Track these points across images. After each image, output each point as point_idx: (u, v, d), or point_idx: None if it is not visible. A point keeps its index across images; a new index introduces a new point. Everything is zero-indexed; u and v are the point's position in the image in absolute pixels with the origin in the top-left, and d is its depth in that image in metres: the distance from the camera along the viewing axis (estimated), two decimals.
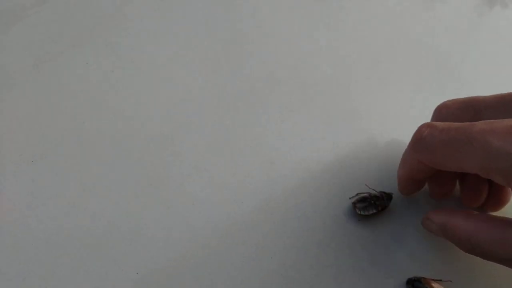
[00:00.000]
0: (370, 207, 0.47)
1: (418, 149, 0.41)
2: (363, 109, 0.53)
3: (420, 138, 0.40)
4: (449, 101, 0.44)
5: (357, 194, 0.48)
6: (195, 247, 0.46)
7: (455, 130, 0.36)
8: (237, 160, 0.50)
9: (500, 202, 0.46)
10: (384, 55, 0.59)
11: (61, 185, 0.48)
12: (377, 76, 0.56)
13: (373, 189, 0.48)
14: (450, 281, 0.46)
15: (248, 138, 0.51)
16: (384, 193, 0.48)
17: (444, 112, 0.44)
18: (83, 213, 0.46)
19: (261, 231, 0.46)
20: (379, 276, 0.45)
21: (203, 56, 0.56)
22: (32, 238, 0.45)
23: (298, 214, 0.47)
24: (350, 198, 0.48)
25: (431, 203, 0.48)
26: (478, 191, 0.45)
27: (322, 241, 0.46)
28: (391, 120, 0.53)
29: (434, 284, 0.45)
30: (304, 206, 0.48)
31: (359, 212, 0.47)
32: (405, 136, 0.51)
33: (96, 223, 0.46)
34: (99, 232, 0.46)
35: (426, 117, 0.50)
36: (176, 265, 0.45)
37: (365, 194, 0.48)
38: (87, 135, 0.51)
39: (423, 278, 0.45)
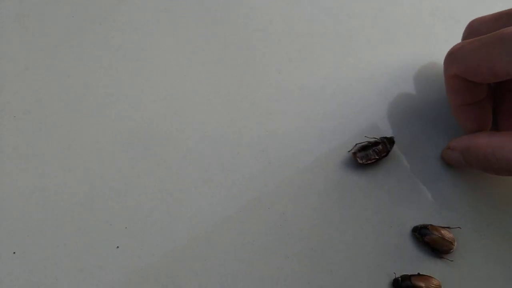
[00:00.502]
0: (371, 154, 0.44)
1: (451, 61, 0.40)
2: (364, 59, 0.50)
3: (452, 51, 0.40)
4: (480, 17, 0.42)
5: (355, 145, 0.45)
6: (188, 200, 0.43)
7: (486, 37, 0.36)
8: (234, 112, 0.47)
9: None
10: (387, 3, 0.56)
11: (45, 141, 0.45)
12: (379, 25, 0.53)
13: (374, 137, 0.45)
14: (459, 227, 0.43)
15: (245, 89, 0.48)
16: (385, 138, 0.45)
17: (476, 24, 0.42)
18: (69, 169, 0.44)
19: (259, 182, 0.44)
20: (383, 225, 0.43)
21: (199, 7, 0.53)
22: (16, 194, 0.43)
23: (297, 165, 0.45)
24: (349, 152, 0.45)
25: (438, 146, 0.46)
26: None
27: (322, 191, 0.44)
28: (392, 69, 0.50)
29: (442, 231, 0.42)
30: (303, 156, 0.45)
31: (360, 161, 0.44)
32: (409, 84, 0.49)
33: (82, 179, 0.44)
34: (85, 188, 0.44)
35: (431, 65, 0.47)
36: (166, 218, 0.43)
37: (365, 143, 0.45)
38: (72, 90, 0.48)
39: (430, 225, 0.43)
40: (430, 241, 0.42)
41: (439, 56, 0.46)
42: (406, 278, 0.41)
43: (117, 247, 0.42)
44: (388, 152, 0.44)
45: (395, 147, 0.45)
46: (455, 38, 0.44)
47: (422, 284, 0.41)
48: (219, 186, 0.44)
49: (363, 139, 0.45)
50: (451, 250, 0.42)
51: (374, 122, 0.47)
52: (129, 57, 0.49)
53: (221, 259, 0.42)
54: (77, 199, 0.43)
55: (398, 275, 0.41)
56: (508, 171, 0.37)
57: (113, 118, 0.46)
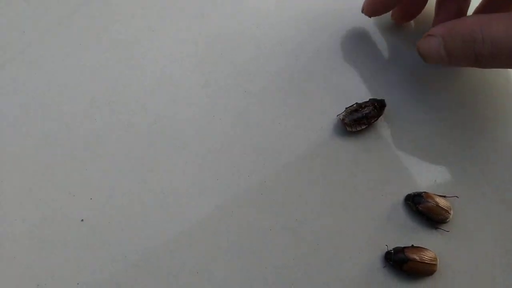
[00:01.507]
0: (361, 120, 0.40)
1: None
2: (350, 15, 0.46)
3: None
4: None
5: (345, 109, 0.41)
6: (160, 169, 0.39)
7: None
8: (208, 72, 0.43)
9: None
10: None
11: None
12: None
13: (364, 102, 0.41)
14: (457, 196, 0.40)
15: (221, 46, 0.43)
16: (375, 100, 0.41)
17: None
18: (27, 134, 0.40)
19: (237, 149, 0.40)
20: (374, 194, 0.39)
21: None
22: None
23: (279, 129, 0.41)
24: (337, 116, 0.41)
25: (432, 109, 0.42)
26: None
27: (306, 158, 0.40)
28: (381, 28, 0.46)
29: (437, 199, 0.39)
30: (286, 119, 0.41)
31: (349, 129, 0.40)
32: (400, 44, 0.45)
33: (43, 145, 0.40)
34: (45, 156, 0.39)
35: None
36: (135, 189, 0.39)
37: (354, 106, 0.41)
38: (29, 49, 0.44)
39: (425, 192, 0.39)
40: (424, 210, 0.38)
41: None
42: (399, 250, 0.38)
43: (82, 220, 0.38)
44: (378, 116, 0.41)
45: (386, 110, 0.41)
46: None
47: (416, 257, 0.37)
48: (193, 153, 0.40)
49: (351, 101, 0.41)
50: (447, 220, 0.38)
51: (362, 83, 0.43)
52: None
53: (197, 233, 0.38)
54: (35, 168, 0.39)
55: (390, 248, 0.38)
56: (490, 56, 0.33)
57: (73, 81, 0.42)
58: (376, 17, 0.44)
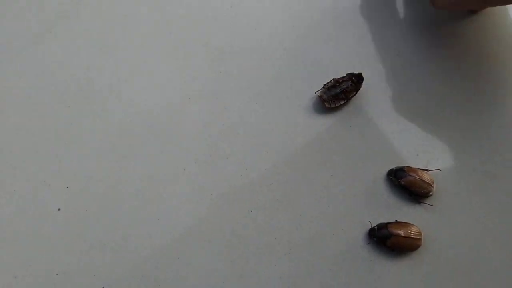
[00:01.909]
0: (339, 95, 0.40)
1: None
2: None
3: None
4: None
5: (323, 86, 0.40)
6: (135, 154, 0.39)
7: None
8: (182, 54, 0.42)
9: None
10: None
11: None
12: None
13: (341, 77, 0.40)
14: (439, 169, 0.39)
15: (194, 26, 0.43)
16: (353, 74, 0.40)
17: None
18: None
19: (214, 130, 0.39)
20: (355, 171, 0.39)
21: None
22: None
23: (256, 108, 0.40)
24: (315, 92, 0.40)
25: (412, 81, 0.41)
26: None
27: (285, 135, 0.39)
28: None
29: (420, 173, 0.38)
30: (262, 98, 0.40)
31: (328, 105, 0.39)
32: (377, 14, 0.44)
33: (17, 132, 0.39)
34: (19, 143, 0.39)
35: None
36: (112, 175, 0.38)
37: (331, 82, 0.40)
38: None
39: (407, 166, 0.38)
40: (407, 184, 0.37)
41: None
42: (382, 226, 0.37)
43: (58, 209, 0.37)
44: (357, 90, 0.40)
45: (364, 84, 0.40)
46: None
47: (401, 232, 0.37)
48: (169, 136, 0.39)
49: (329, 78, 0.41)
50: (430, 193, 0.38)
51: (340, 58, 0.42)
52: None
53: (175, 217, 0.37)
54: (7, 159, 0.38)
55: (374, 224, 0.37)
56: None
57: (45, 70, 0.41)
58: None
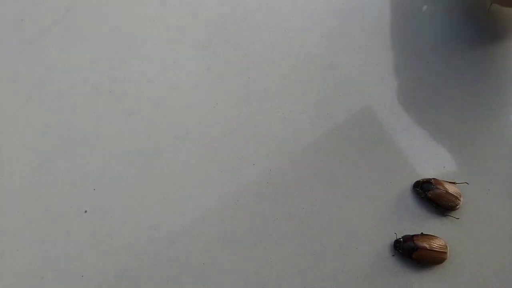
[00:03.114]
0: None
1: None
2: None
3: None
4: None
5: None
6: (162, 158, 0.39)
7: None
8: (210, 59, 0.42)
9: None
10: None
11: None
12: None
13: None
14: (467, 183, 0.38)
15: (223, 32, 0.43)
16: None
17: None
18: (27, 125, 0.40)
19: (241, 137, 0.39)
20: (381, 182, 0.38)
21: None
22: None
23: (284, 115, 0.40)
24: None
25: (437, 92, 0.40)
26: None
27: (311, 144, 0.39)
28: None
29: (447, 186, 0.38)
30: (289, 105, 0.40)
31: None
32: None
33: (43, 136, 0.39)
34: (46, 146, 0.39)
35: None
36: (138, 179, 0.38)
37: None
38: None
39: (434, 179, 0.38)
40: (433, 197, 0.37)
41: None
42: (408, 238, 0.37)
43: (85, 211, 0.38)
44: None
45: (391, 95, 0.40)
46: None
47: (426, 245, 0.36)
48: (196, 142, 0.39)
49: (357, 88, 0.40)
50: (457, 206, 0.37)
51: (368, 69, 0.41)
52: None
53: (200, 224, 0.37)
54: (36, 161, 0.39)
55: (399, 236, 0.37)
56: None
57: (72, 71, 0.41)
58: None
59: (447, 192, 0.37)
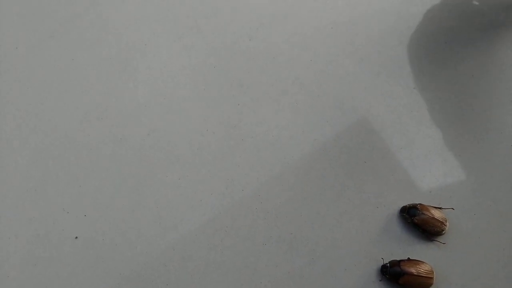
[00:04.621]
0: None
1: None
2: (342, 22, 0.46)
3: None
4: None
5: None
6: (153, 183, 0.39)
7: None
8: (201, 84, 0.43)
9: None
10: None
11: None
12: None
13: None
14: (452, 208, 0.39)
15: (214, 57, 0.43)
16: None
17: None
18: (19, 148, 0.40)
19: (231, 162, 0.40)
20: (368, 206, 0.39)
21: None
22: None
23: (272, 141, 0.41)
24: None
25: (424, 118, 0.41)
26: None
27: (300, 169, 0.40)
28: (375, 36, 0.46)
29: (433, 211, 0.38)
30: (279, 131, 0.41)
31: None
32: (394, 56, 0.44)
33: (35, 161, 0.40)
34: (38, 171, 0.39)
35: None
36: (128, 203, 0.39)
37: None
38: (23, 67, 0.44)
39: (420, 204, 0.39)
40: (419, 222, 0.38)
41: None
42: (395, 263, 0.37)
43: (76, 237, 0.38)
44: None
45: (378, 120, 0.41)
46: None
47: (413, 270, 0.37)
48: (187, 167, 0.40)
49: (346, 113, 0.41)
50: (443, 232, 0.38)
51: (357, 93, 0.42)
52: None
53: (191, 247, 0.38)
54: (29, 185, 0.39)
55: (386, 261, 0.38)
56: None
57: (66, 96, 0.42)
58: (367, 16, 0.43)
59: (433, 218, 0.38)
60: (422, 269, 0.37)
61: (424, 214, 0.38)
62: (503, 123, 0.41)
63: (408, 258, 0.38)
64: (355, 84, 0.42)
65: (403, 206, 0.39)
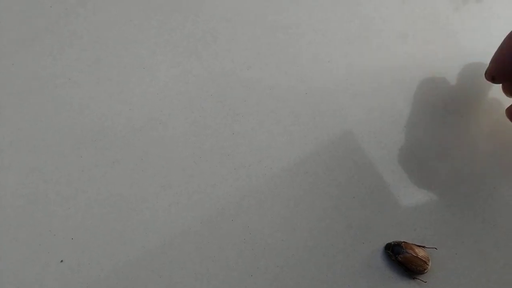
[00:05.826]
0: None
1: None
2: (339, 59, 0.47)
3: None
4: None
5: None
6: (144, 208, 0.39)
7: None
8: (197, 111, 0.43)
9: None
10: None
11: None
12: (355, 23, 0.50)
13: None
14: (435, 248, 0.40)
15: (210, 86, 0.44)
16: None
17: None
18: (9, 168, 0.39)
19: (222, 191, 0.40)
20: (355, 241, 0.40)
21: None
22: None
23: (264, 172, 0.41)
24: None
25: (412, 155, 0.43)
26: None
27: (290, 202, 0.40)
28: (369, 71, 0.47)
29: (416, 250, 0.39)
30: (271, 162, 0.42)
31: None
32: (390, 88, 0.46)
33: (25, 180, 0.39)
34: (27, 191, 0.39)
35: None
36: (118, 228, 0.38)
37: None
38: (22, 87, 0.43)
39: (404, 242, 0.40)
40: (403, 260, 0.39)
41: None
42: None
43: (61, 261, 0.38)
44: None
45: (366, 155, 0.42)
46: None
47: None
48: (178, 193, 0.40)
49: (340, 145, 0.42)
50: (425, 271, 0.39)
51: (349, 128, 0.43)
52: (82, 54, 0.45)
53: (177, 276, 0.38)
54: (17, 203, 0.39)
55: None
56: None
57: (61, 115, 0.42)
58: (363, 53, 0.45)
59: (416, 257, 0.39)
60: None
61: (408, 252, 0.39)
62: (492, 165, 0.43)
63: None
64: (347, 120, 0.43)
65: (388, 243, 0.40)
